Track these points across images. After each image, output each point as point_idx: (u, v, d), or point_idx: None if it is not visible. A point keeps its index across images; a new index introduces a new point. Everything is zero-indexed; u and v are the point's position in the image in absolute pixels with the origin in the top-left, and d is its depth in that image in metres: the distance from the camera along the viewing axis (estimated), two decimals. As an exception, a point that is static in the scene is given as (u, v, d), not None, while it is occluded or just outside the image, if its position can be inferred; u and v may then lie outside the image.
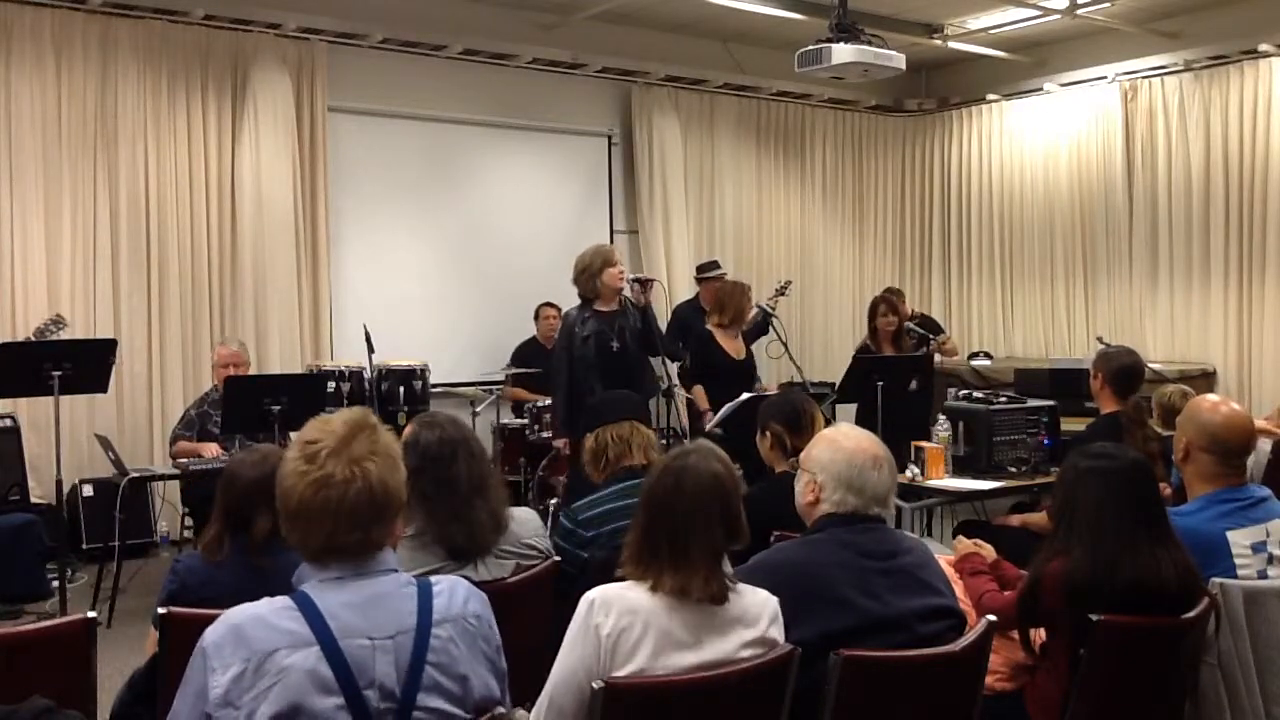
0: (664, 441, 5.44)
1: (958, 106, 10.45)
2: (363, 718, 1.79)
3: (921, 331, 7.73)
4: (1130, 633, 2.66)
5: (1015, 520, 4.94)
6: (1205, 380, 8.35)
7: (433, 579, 1.97)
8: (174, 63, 7.26)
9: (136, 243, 7.15)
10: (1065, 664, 2.71)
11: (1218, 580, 2.82)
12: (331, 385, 6.35)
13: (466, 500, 2.90)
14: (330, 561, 1.87)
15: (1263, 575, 2.91)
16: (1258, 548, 2.93)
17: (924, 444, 5.28)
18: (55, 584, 5.42)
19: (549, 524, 4.56)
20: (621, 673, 2.15)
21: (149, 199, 7.19)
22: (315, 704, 1.76)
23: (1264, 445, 4.66)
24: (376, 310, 7.60)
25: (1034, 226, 9.86)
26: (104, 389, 5.64)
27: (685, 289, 8.78)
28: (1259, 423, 4.45)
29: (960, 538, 3.59)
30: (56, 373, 5.17)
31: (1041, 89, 9.72)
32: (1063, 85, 9.57)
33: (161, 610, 2.54)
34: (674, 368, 6.58)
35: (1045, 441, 5.37)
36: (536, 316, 8.08)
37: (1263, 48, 8.30)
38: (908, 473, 5.08)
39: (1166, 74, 8.93)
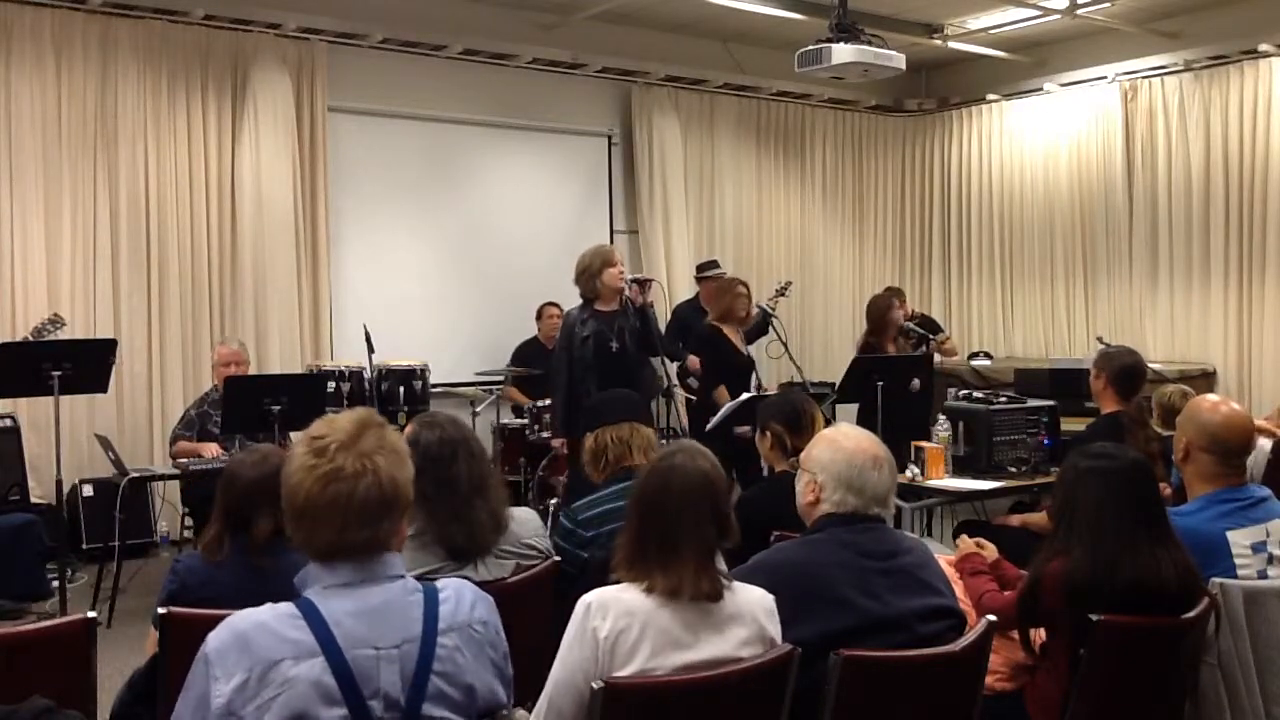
0: (664, 441, 5.44)
1: (958, 106, 10.45)
2: None
3: (921, 331, 7.73)
4: (1130, 633, 2.66)
5: (1015, 520, 4.94)
6: (1205, 380, 8.35)
7: (439, 584, 1.95)
8: (174, 63, 7.26)
9: (136, 243, 7.15)
10: (1065, 664, 2.71)
11: (1218, 580, 2.82)
12: (331, 385, 6.35)
13: (467, 500, 2.90)
14: (337, 562, 1.83)
15: (1263, 575, 2.91)
16: (1258, 548, 2.93)
17: (924, 444, 5.28)
18: (55, 584, 5.42)
19: (549, 524, 4.56)
20: (621, 674, 2.15)
21: (149, 199, 7.19)
22: (319, 715, 1.74)
23: (1264, 445, 4.66)
24: (376, 310, 7.60)
25: (1034, 226, 9.86)
26: (104, 389, 5.64)
27: (685, 289, 8.78)
28: (1259, 423, 4.45)
29: (963, 537, 3.59)
30: (56, 373, 5.17)
31: (1041, 89, 9.72)
32: (1063, 85, 9.57)
33: (161, 610, 2.54)
34: (674, 367, 6.59)
35: (1045, 441, 5.37)
36: (540, 316, 8.06)
37: (1263, 48, 8.30)
38: (908, 473, 5.08)
39: (1166, 74, 8.93)
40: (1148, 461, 2.93)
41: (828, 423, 3.62)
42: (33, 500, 5.94)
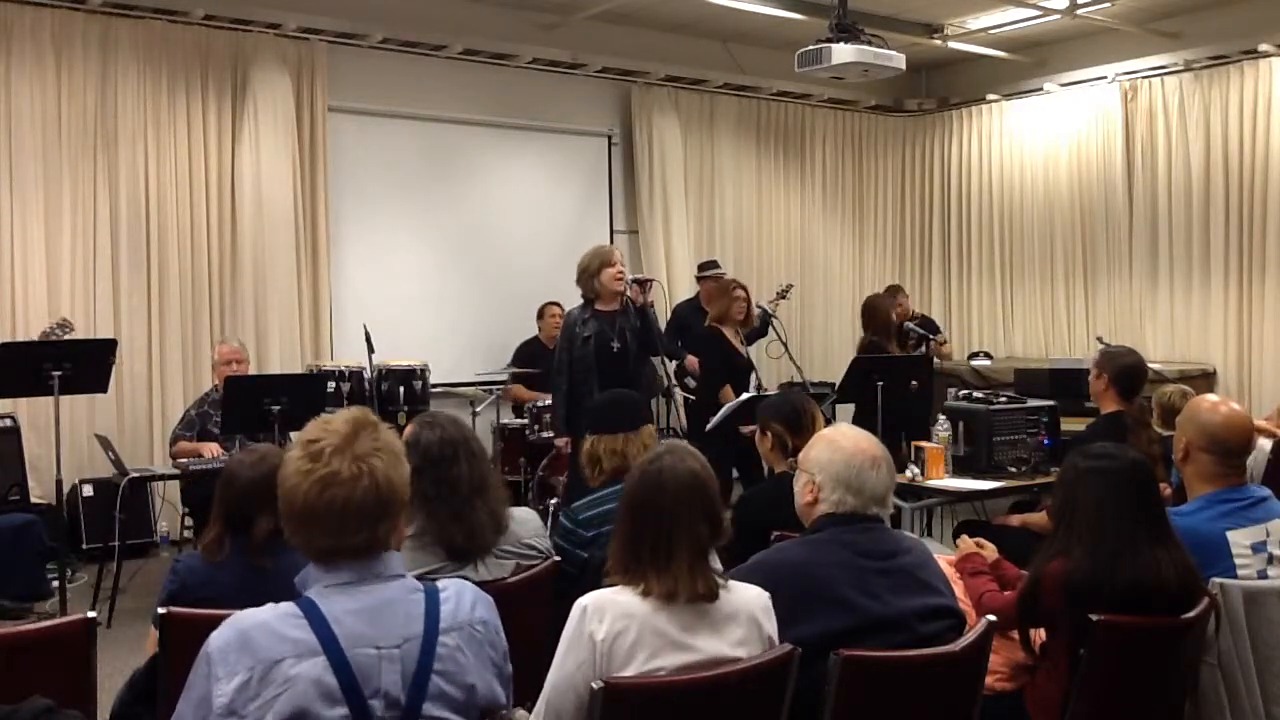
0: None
1: (958, 106, 10.45)
2: None
3: (921, 331, 7.74)
4: (1130, 633, 2.66)
5: (1015, 520, 4.94)
6: (1205, 380, 8.35)
7: (440, 584, 1.95)
8: (174, 63, 7.26)
9: (136, 243, 7.15)
10: (1065, 664, 2.71)
11: (1218, 580, 2.82)
12: (331, 385, 6.35)
13: (467, 500, 2.90)
14: (337, 563, 1.84)
15: (1263, 575, 2.91)
16: (1258, 548, 2.93)
17: (924, 444, 5.28)
18: (55, 584, 5.42)
19: (549, 524, 4.56)
20: (620, 675, 2.15)
21: (149, 199, 7.19)
22: (321, 714, 1.74)
23: (1264, 445, 4.66)
24: (376, 310, 7.60)
25: (1034, 226, 9.86)
26: (104, 389, 5.64)
27: (685, 289, 8.79)
28: (1259, 423, 4.45)
29: (963, 537, 3.59)
30: (56, 373, 5.17)
31: (1041, 89, 9.72)
32: (1063, 85, 9.57)
33: (161, 610, 2.54)
34: (672, 366, 6.59)
35: (1045, 441, 5.36)
36: (541, 316, 8.01)
37: (1263, 48, 8.30)
38: (908, 473, 5.08)
39: (1166, 74, 8.93)
40: (1148, 462, 2.92)
41: (828, 423, 3.62)
42: (33, 500, 5.95)
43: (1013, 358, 9.68)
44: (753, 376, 6.88)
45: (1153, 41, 8.82)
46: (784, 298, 7.79)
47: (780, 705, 2.30)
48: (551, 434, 6.40)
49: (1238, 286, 8.57)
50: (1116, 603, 2.63)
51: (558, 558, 3.13)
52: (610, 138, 9.22)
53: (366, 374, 6.64)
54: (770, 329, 7.30)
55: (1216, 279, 8.66)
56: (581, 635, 2.18)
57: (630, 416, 3.58)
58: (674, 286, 8.83)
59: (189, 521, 6.30)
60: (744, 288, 6.91)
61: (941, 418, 5.47)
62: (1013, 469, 5.25)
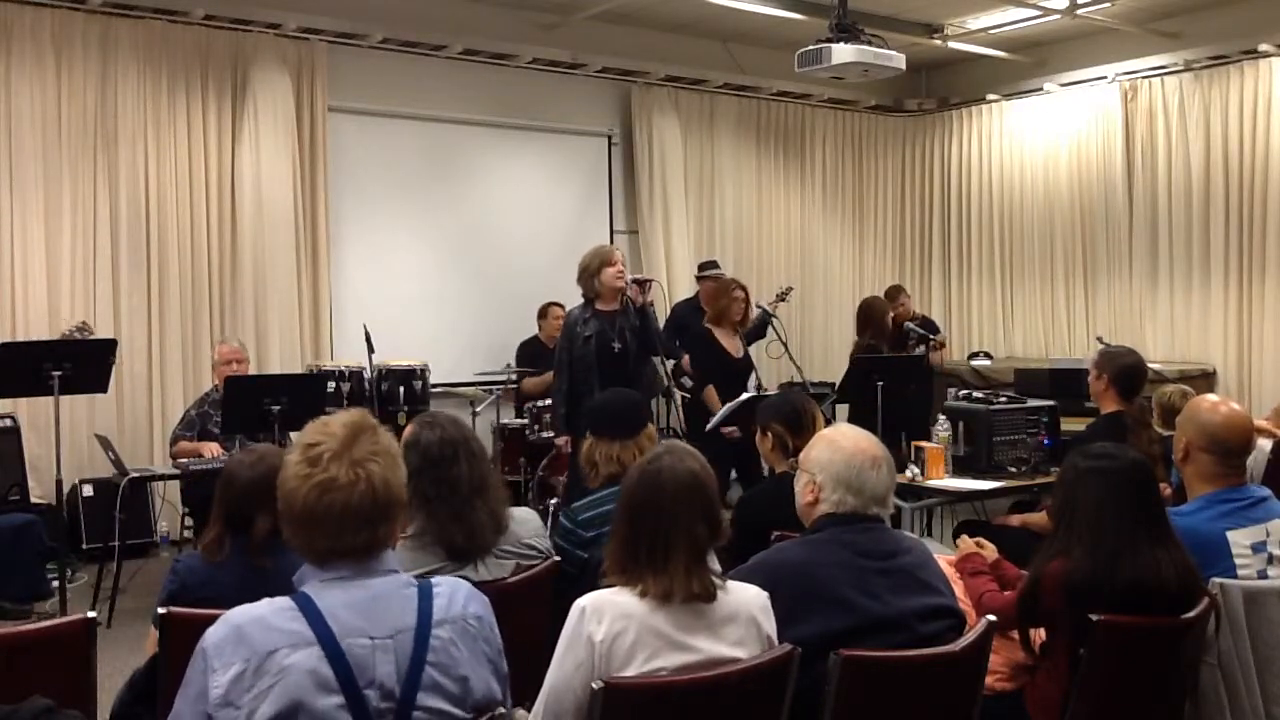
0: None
1: (958, 106, 10.45)
2: (363, 717, 1.79)
3: (921, 332, 7.75)
4: (1130, 633, 2.66)
5: (1015, 520, 4.93)
6: (1205, 380, 8.35)
7: (433, 580, 1.97)
8: (174, 63, 7.26)
9: (136, 243, 7.15)
10: (1065, 664, 2.71)
11: (1218, 580, 2.82)
12: (331, 385, 6.36)
13: (467, 500, 2.90)
14: (334, 563, 1.87)
15: (1263, 575, 2.91)
16: (1258, 548, 2.93)
17: (924, 444, 5.28)
18: (55, 584, 5.42)
19: (549, 524, 4.56)
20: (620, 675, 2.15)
21: (149, 199, 7.19)
22: (316, 703, 1.76)
23: (1264, 445, 4.66)
24: (376, 310, 7.60)
25: (1034, 226, 9.86)
26: (104, 389, 5.64)
27: (685, 289, 8.78)
28: (1258, 423, 4.44)
29: (963, 537, 3.59)
30: (56, 373, 5.17)
31: (1041, 89, 9.72)
32: (1063, 85, 9.57)
33: (161, 610, 2.54)
34: (670, 366, 6.58)
35: (1045, 441, 5.37)
36: (545, 315, 7.94)
37: (1263, 48, 8.30)
38: (908, 473, 5.08)
39: (1166, 74, 8.93)
40: (1148, 462, 2.92)
41: (828, 423, 3.62)
42: (33, 500, 5.95)
43: (1013, 358, 9.68)
44: (753, 377, 6.87)
45: (1153, 41, 8.82)
46: (783, 300, 7.79)
47: (780, 705, 2.30)
48: (551, 434, 6.40)
49: (1238, 286, 8.57)
50: (1116, 603, 2.63)
51: (557, 558, 3.13)
52: (610, 138, 9.22)
53: (366, 374, 6.64)
54: (770, 329, 7.30)
55: (1216, 279, 8.66)
56: (580, 636, 2.18)
57: (628, 423, 3.55)
58: (674, 286, 8.83)
59: (189, 521, 6.30)
60: (744, 288, 6.89)
61: (941, 418, 5.47)
62: (1013, 469, 5.25)
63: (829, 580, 2.47)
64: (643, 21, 8.90)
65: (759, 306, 7.23)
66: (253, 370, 6.53)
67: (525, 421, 7.29)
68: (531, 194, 8.77)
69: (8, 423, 5.90)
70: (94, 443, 6.36)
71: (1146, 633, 2.68)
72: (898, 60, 6.79)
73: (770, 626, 2.32)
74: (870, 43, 6.69)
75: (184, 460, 5.82)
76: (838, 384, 7.66)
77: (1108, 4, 8.28)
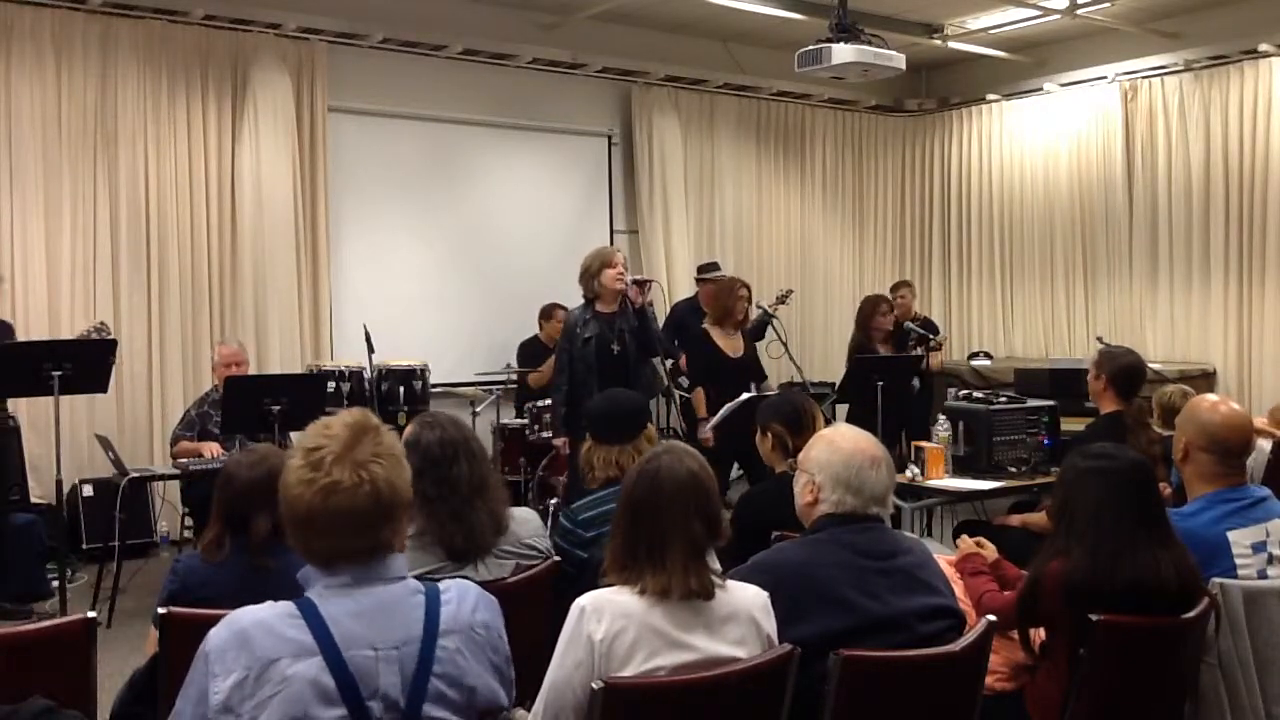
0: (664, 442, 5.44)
1: (958, 106, 10.45)
2: None
3: (922, 332, 7.75)
4: (1130, 633, 2.66)
5: (1015, 520, 4.94)
6: (1205, 380, 8.35)
7: (442, 585, 1.94)
8: (174, 63, 7.26)
9: (136, 243, 7.15)
10: (1065, 664, 2.71)
11: (1218, 580, 2.82)
12: (331, 385, 6.36)
13: (467, 500, 2.90)
14: (339, 566, 1.84)
15: (1263, 575, 2.91)
16: (1258, 548, 2.93)
17: (924, 444, 5.28)
18: (55, 584, 5.42)
19: (549, 524, 4.55)
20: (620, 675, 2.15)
21: (149, 199, 7.19)
22: (318, 715, 1.74)
23: (1264, 445, 4.66)
24: (376, 310, 7.60)
25: (1034, 226, 9.86)
26: (104, 389, 5.63)
27: (685, 289, 8.79)
28: (1257, 423, 4.44)
29: (963, 537, 3.59)
30: (56, 373, 5.16)
31: (1041, 89, 9.72)
32: (1063, 85, 9.57)
33: (161, 610, 2.54)
34: (669, 366, 6.58)
35: (1045, 441, 5.37)
36: (548, 316, 7.85)
37: (1263, 48, 8.30)
38: (908, 473, 5.08)
39: (1166, 74, 8.93)
40: (1147, 462, 2.92)
41: (828, 423, 3.61)
42: (33, 500, 5.95)
43: (1013, 358, 9.68)
44: (766, 382, 6.84)
45: (1153, 41, 8.82)
46: (783, 303, 7.78)
47: (780, 705, 2.30)
48: (551, 434, 6.40)
49: (1238, 286, 8.57)
50: (1116, 603, 2.63)
51: (557, 558, 3.13)
52: (610, 138, 9.22)
53: (366, 374, 6.64)
54: (770, 329, 7.29)
55: (1216, 279, 8.66)
56: (580, 635, 2.18)
57: (626, 429, 3.54)
58: (674, 287, 8.83)
59: (189, 521, 6.29)
60: (748, 286, 6.88)
61: (941, 418, 5.47)
62: (1013, 469, 5.25)
63: (829, 580, 2.47)
64: (643, 21, 8.90)
65: (759, 306, 7.22)
66: (253, 370, 6.53)
67: (525, 422, 7.30)
68: (531, 194, 8.76)
69: (8, 423, 5.89)
70: (94, 443, 6.36)
71: (1146, 633, 2.68)
72: (898, 60, 6.79)
73: (770, 626, 2.32)
74: (870, 43, 6.69)
75: (184, 460, 5.82)
76: (838, 384, 7.67)
77: (1108, 4, 8.28)
